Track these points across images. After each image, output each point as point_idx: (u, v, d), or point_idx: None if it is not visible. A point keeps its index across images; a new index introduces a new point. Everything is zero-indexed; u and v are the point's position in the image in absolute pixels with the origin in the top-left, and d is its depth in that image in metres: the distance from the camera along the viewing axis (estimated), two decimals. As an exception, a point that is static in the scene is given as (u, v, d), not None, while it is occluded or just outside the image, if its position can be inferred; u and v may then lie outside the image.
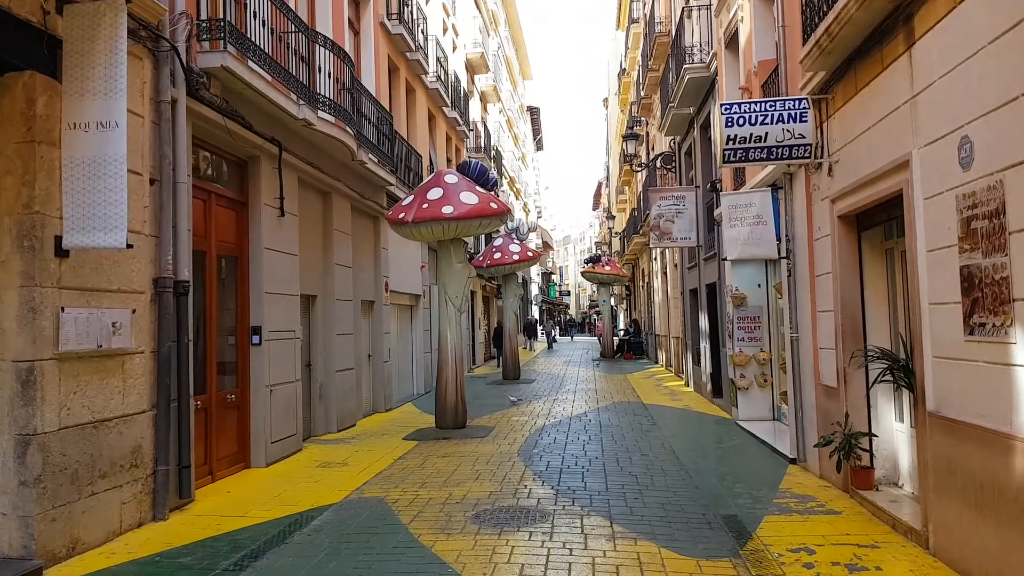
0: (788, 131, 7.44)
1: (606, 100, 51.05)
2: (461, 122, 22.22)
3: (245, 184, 9.26)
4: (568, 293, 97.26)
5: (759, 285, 11.85)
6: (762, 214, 8.94)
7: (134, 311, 6.54)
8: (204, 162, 8.52)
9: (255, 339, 9.10)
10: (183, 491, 7.12)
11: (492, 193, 11.74)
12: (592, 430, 11.56)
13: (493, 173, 12.16)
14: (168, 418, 6.88)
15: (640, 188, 25.74)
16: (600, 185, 71.45)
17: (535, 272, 59.63)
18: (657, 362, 26.73)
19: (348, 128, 11.20)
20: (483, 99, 29.15)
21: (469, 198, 11.09)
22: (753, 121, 7.44)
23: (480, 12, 27.65)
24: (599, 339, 36.99)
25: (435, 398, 11.80)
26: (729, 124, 7.46)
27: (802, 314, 8.49)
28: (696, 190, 15.90)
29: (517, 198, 42.38)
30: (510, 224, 20.85)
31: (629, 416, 13.11)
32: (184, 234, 7.23)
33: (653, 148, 23.47)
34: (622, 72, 34.78)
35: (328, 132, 10.30)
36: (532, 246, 56.15)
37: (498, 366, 23.48)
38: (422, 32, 17.68)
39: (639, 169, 20.39)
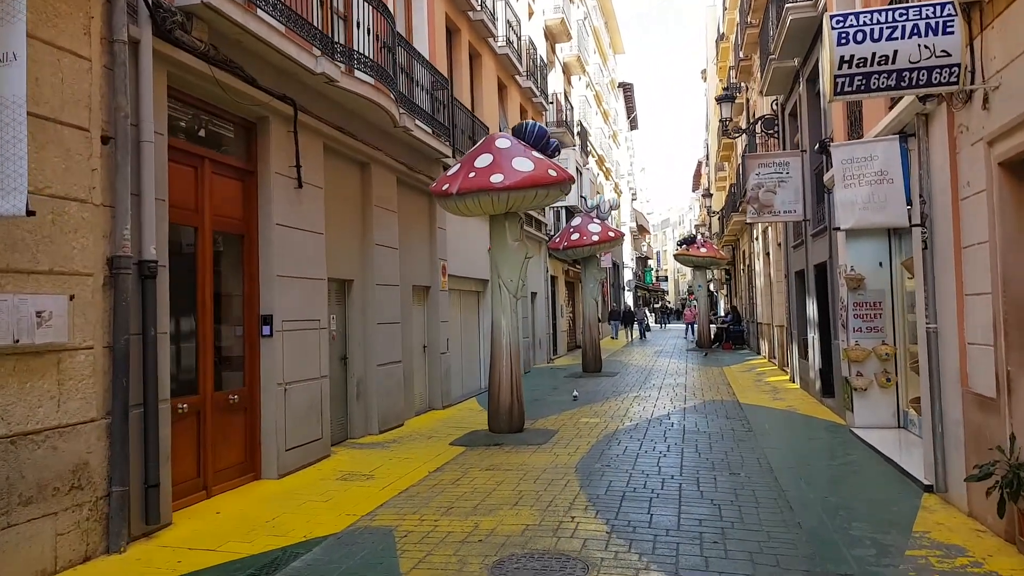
0: (926, 47, 5.44)
1: (704, 72, 48.11)
2: (538, 92, 20.54)
3: (253, 150, 7.96)
4: (665, 279, 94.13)
5: (880, 264, 9.69)
6: (887, 170, 6.92)
7: (72, 297, 5.27)
8: (192, 121, 7.23)
9: (265, 330, 7.80)
10: (150, 516, 5.85)
11: (552, 160, 10.06)
12: (673, 437, 9.75)
13: (555, 141, 10.47)
14: (127, 428, 5.61)
15: (740, 160, 23.38)
16: (700, 165, 68.12)
17: (628, 256, 57.33)
18: (759, 353, 24.36)
19: (387, 90, 9.76)
20: (566, 70, 27.33)
21: (523, 164, 9.46)
22: (876, 36, 5.48)
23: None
24: (688, 327, 34.63)
25: (488, 397, 10.27)
26: (842, 41, 5.52)
27: (943, 299, 6.44)
28: (802, 155, 13.69)
29: (608, 178, 40.32)
30: (590, 202, 19.06)
31: (720, 419, 11.20)
32: (150, 204, 5.93)
33: (754, 115, 21.10)
34: (720, 38, 32.15)
35: (357, 91, 8.88)
36: (624, 228, 53.91)
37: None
38: (489, -9, 16.10)
39: (736, 135, 18.15)
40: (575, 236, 18.26)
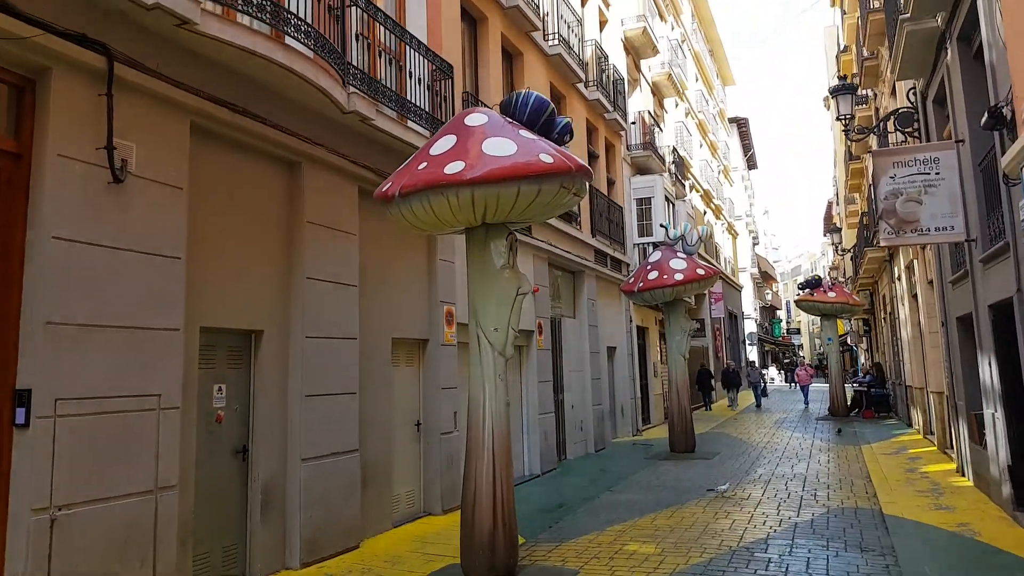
0: None
1: (827, 99, 43.11)
2: (610, 107, 17.07)
3: (27, 123, 4.94)
4: (797, 331, 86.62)
5: None
6: None
7: None
8: None
9: (19, 415, 4.63)
10: None
11: (559, 145, 6.56)
12: (760, 593, 5.79)
13: (564, 119, 6.93)
14: None
15: (870, 180, 18.89)
16: (830, 205, 61.98)
17: (750, 306, 51.96)
18: (910, 425, 19.29)
19: (327, 63, 6.64)
20: (656, 91, 23.74)
21: (501, 147, 5.99)
22: None
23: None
24: (801, 388, 28.83)
25: (461, 521, 6.59)
26: None
27: None
28: (957, 147, 9.50)
29: (718, 216, 35.95)
30: (672, 232, 15.19)
31: (851, 551, 7.07)
32: None
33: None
34: (841, 51, 27.71)
35: (245, 46, 5.75)
36: (745, 275, 48.29)
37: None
38: (531, -26, 12.95)
39: (859, 137, 13.86)
40: (653, 275, 14.41)
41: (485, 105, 11.10)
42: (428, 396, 9.32)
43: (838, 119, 12.61)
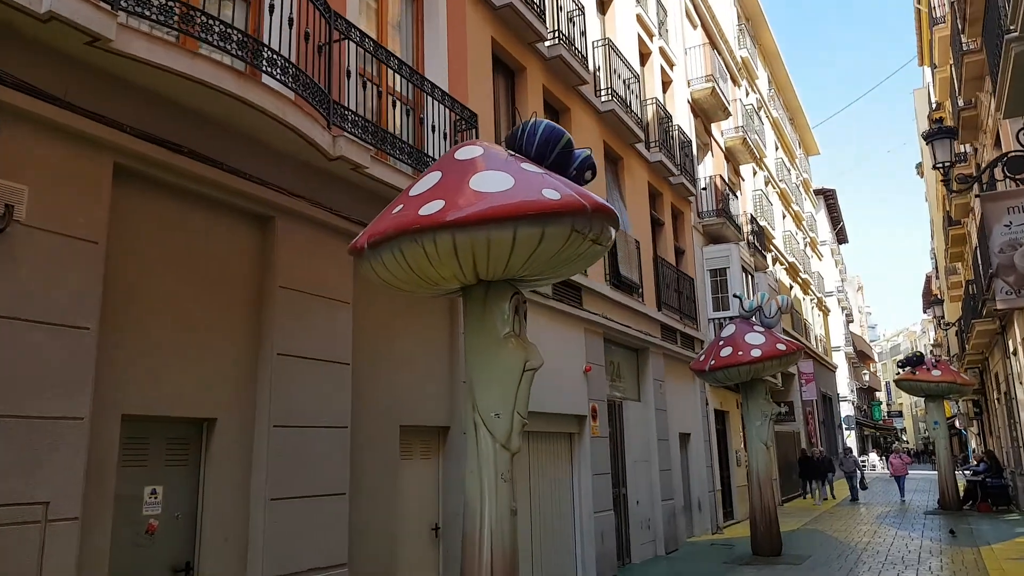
0: None
1: (920, 166, 40.60)
2: (675, 171, 15.73)
3: None
4: (900, 414, 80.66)
5: None
6: None
7: None
8: None
9: None
10: None
11: (568, 182, 5.24)
12: None
13: (584, 151, 5.62)
14: None
15: (975, 243, 16.73)
16: (928, 280, 58.20)
17: (846, 387, 48.31)
18: (1040, 521, 16.45)
19: (312, 106, 5.64)
20: (730, 157, 22.27)
21: (495, 182, 4.73)
22: None
23: (713, 41, 21.39)
24: (896, 479, 24.50)
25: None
26: None
27: None
28: (1095, 186, 7.72)
29: (806, 292, 33.62)
30: (748, 303, 13.48)
31: None
32: None
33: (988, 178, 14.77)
34: (934, 108, 25.78)
35: (168, 65, 4.74)
36: (839, 355, 44.75)
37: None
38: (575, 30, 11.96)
39: (962, 187, 11.94)
40: (727, 352, 12.68)
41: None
42: (449, 494, 7.87)
43: (935, 167, 10.86)
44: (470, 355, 5.32)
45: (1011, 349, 16.58)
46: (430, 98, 7.73)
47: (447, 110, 8.05)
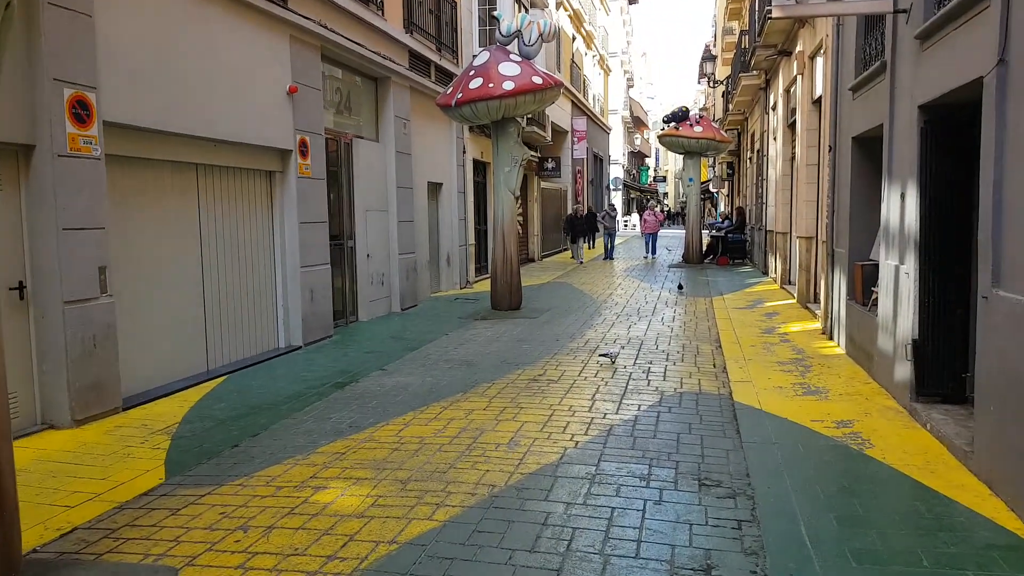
0: None
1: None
2: None
3: None
4: (664, 179, 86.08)
5: None
6: None
7: None
8: None
9: None
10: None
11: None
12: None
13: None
14: None
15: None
16: (707, 48, 59.24)
17: (619, 150, 49.52)
18: (766, 273, 17.37)
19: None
20: None
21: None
22: None
23: None
24: (647, 240, 24.36)
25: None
26: None
27: None
28: None
29: (589, 46, 32.28)
30: (505, 26, 11.44)
31: (681, 488, 4.34)
32: None
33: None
34: None
35: None
36: (616, 117, 44.40)
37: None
38: None
39: None
40: (476, 83, 10.80)
41: None
42: (39, 239, 5.67)
43: None
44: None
45: (771, 103, 16.36)
46: None
47: None
